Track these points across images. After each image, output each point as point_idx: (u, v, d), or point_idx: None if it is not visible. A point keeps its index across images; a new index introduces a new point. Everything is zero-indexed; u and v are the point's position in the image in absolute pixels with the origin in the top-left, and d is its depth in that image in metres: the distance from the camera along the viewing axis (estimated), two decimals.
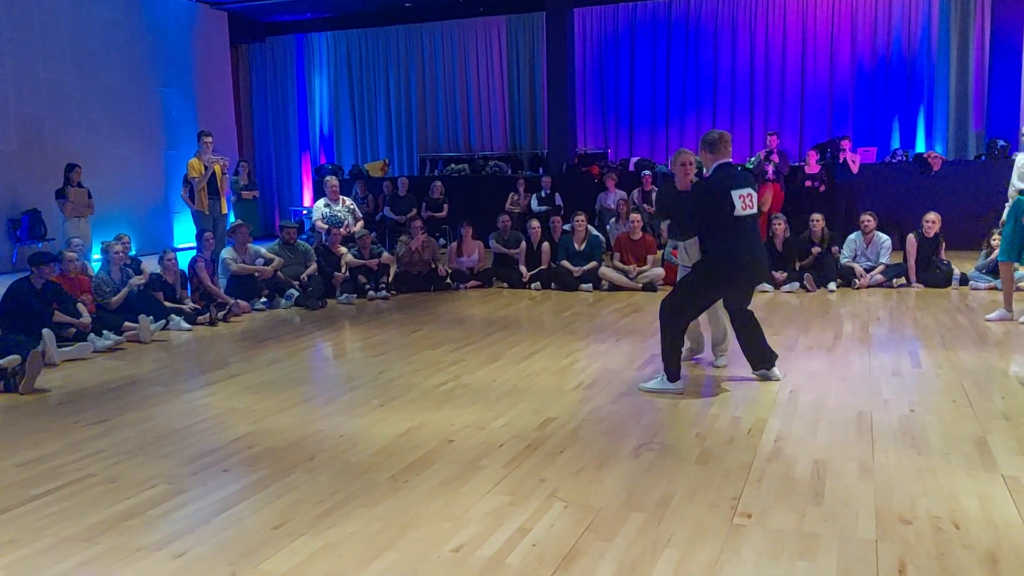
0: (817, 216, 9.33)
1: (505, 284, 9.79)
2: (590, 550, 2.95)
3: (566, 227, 10.14)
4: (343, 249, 9.56)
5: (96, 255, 10.03)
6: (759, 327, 5.23)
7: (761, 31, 14.79)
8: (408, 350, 6.48)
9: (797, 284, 8.89)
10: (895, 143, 13.94)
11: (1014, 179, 6.97)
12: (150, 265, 8.69)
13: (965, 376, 5.25)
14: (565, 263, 9.47)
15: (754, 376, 5.27)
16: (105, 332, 6.87)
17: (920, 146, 13.74)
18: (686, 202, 5.06)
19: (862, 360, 5.75)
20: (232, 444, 4.27)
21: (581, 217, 9.67)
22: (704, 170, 5.09)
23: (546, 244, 9.80)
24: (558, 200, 13.08)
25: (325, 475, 3.77)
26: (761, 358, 5.21)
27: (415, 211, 13.16)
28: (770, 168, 12.50)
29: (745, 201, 4.82)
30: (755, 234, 5.04)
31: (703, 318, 5.51)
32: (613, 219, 11.86)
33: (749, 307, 5.22)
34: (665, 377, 5.01)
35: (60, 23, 12.53)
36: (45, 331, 6.20)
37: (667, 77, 15.43)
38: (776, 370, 5.22)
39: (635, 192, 12.88)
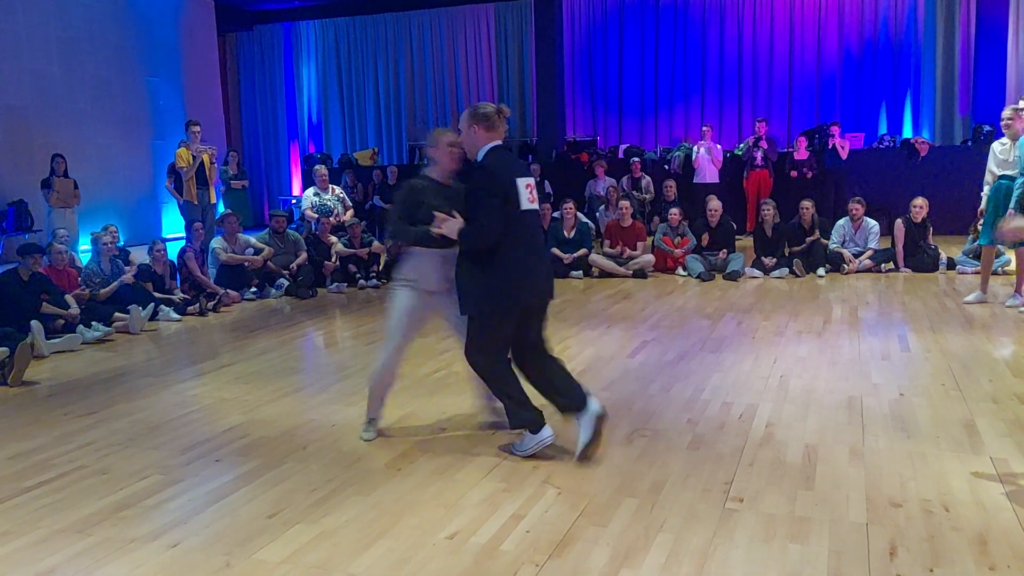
0: (807, 203, 9.37)
1: None
2: (584, 535, 2.97)
3: (555, 215, 10.14)
4: (333, 238, 9.53)
5: (84, 246, 9.97)
6: (559, 361, 3.93)
7: (749, 17, 14.78)
8: None
9: (787, 270, 8.93)
10: (882, 129, 13.99)
11: (991, 165, 7.06)
12: (138, 256, 8.64)
13: (953, 360, 5.30)
14: (555, 250, 9.47)
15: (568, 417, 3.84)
16: (94, 323, 6.83)
17: (907, 132, 13.79)
18: (453, 198, 3.87)
19: (852, 345, 5.79)
20: (224, 434, 4.26)
21: (570, 205, 9.67)
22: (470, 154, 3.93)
23: None
24: (548, 188, 13.07)
25: (318, 464, 3.77)
26: (570, 398, 3.78)
27: None
28: (759, 154, 12.55)
29: (531, 193, 3.78)
30: (540, 234, 4.01)
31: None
32: (603, 206, 11.87)
33: (544, 334, 3.93)
34: (528, 433, 3.78)
35: (45, 12, 12.38)
36: (34, 323, 6.17)
37: (655, 63, 15.42)
38: (595, 403, 3.74)
39: (624, 179, 12.90)
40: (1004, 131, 7.04)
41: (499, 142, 3.84)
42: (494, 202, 3.65)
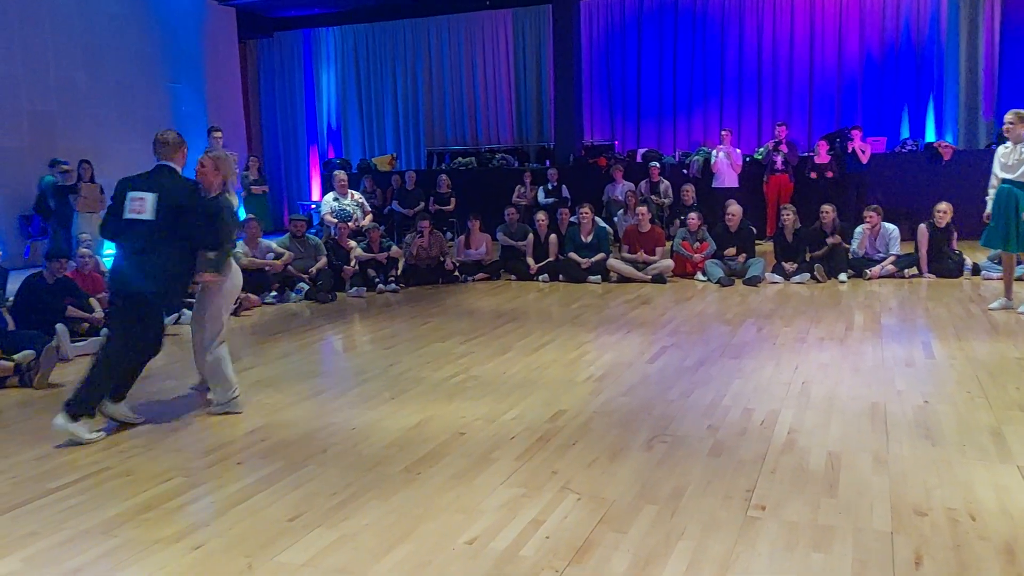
0: (827, 207, 9.30)
1: (513, 276, 9.79)
2: (604, 542, 2.96)
3: (572, 219, 10.13)
4: (352, 243, 9.58)
5: (108, 250, 10.06)
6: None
7: (768, 21, 14.73)
8: (418, 343, 6.49)
9: (808, 275, 8.87)
10: (904, 133, 13.88)
11: (995, 169, 7.00)
12: None
13: (979, 367, 5.24)
14: (573, 255, 9.46)
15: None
16: None
17: (930, 136, 13.67)
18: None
19: (875, 351, 5.74)
20: (246, 437, 4.29)
21: (586, 209, 9.65)
22: None
23: (553, 236, 9.79)
24: (565, 192, 13.07)
25: (338, 468, 3.78)
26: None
27: (423, 205, 13.17)
28: (778, 159, 12.48)
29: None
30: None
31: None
32: (621, 211, 11.85)
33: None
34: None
35: (70, 20, 12.56)
36: (59, 326, 6.23)
37: (674, 68, 15.40)
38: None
39: (643, 183, 12.86)
40: (1007, 135, 6.97)
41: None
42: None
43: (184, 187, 4.61)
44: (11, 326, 6.36)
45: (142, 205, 4.42)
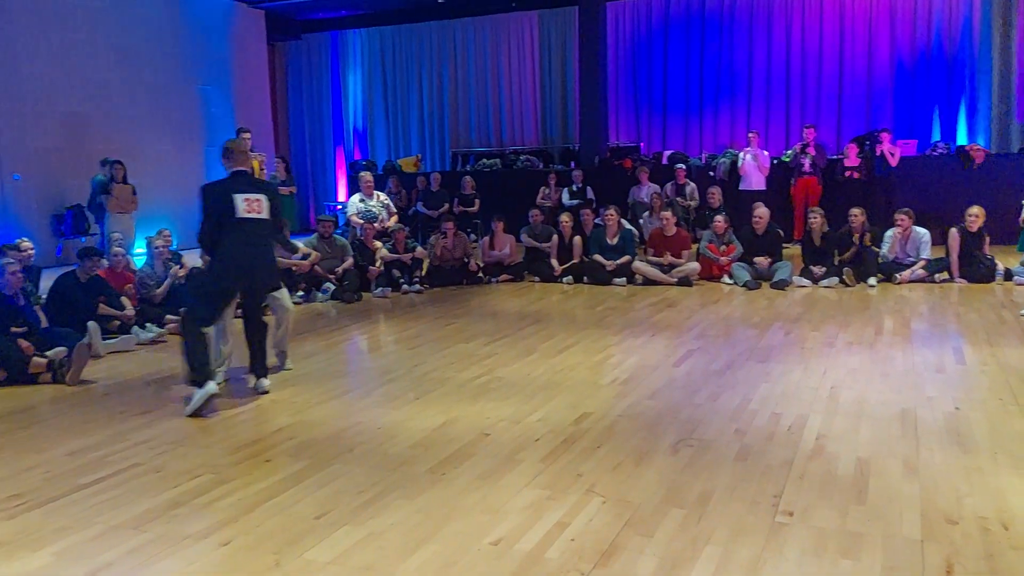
0: (856, 210, 9.21)
1: (537, 278, 9.79)
2: (630, 545, 2.95)
3: (598, 221, 10.11)
4: (378, 244, 9.63)
5: (139, 249, 10.20)
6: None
7: (797, 23, 14.61)
8: (442, 343, 6.51)
9: (836, 279, 8.78)
10: (935, 136, 13.70)
11: None
12: (191, 259, 8.81)
13: (1011, 373, 5.16)
14: (598, 257, 9.44)
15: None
16: (148, 325, 7.00)
17: (961, 139, 13.49)
18: None
19: (905, 356, 5.67)
20: (273, 435, 4.32)
21: (612, 211, 9.63)
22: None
23: (577, 238, 9.78)
24: (590, 194, 13.03)
25: (364, 467, 3.81)
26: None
27: (447, 206, 13.20)
28: (806, 161, 12.37)
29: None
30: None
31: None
32: (646, 213, 11.81)
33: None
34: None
35: (104, 22, 12.75)
36: (91, 324, 6.31)
37: (701, 69, 15.31)
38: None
39: (668, 185, 12.81)
40: None
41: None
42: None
43: (274, 188, 5.46)
44: (44, 323, 6.48)
45: (260, 206, 5.02)
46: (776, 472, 3.61)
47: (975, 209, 8.91)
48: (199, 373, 4.78)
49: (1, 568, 2.90)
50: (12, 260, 6.33)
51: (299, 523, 3.20)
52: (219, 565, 2.88)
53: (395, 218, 10.70)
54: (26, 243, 7.69)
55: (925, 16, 13.83)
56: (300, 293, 8.76)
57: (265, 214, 5.05)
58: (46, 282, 7.48)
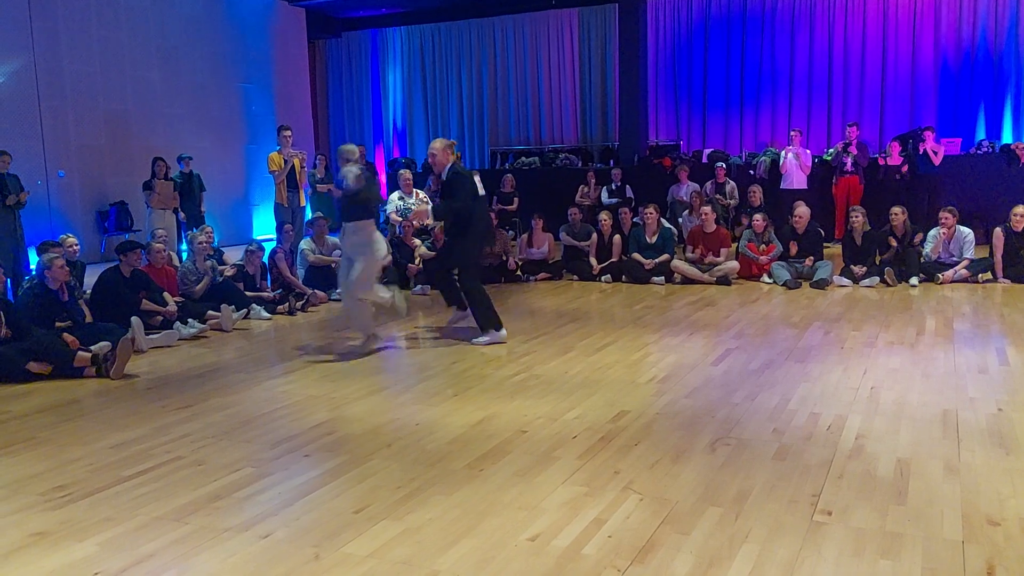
0: (897, 209, 9.06)
1: (575, 276, 9.78)
2: (667, 542, 2.94)
3: (636, 220, 10.07)
4: (416, 241, 9.69)
5: (182, 246, 10.38)
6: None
7: (840, 22, 14.41)
8: None
9: (877, 279, 8.65)
10: (980, 134, 13.43)
11: None
12: (232, 256, 8.96)
13: None
14: (636, 256, 9.40)
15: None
16: (190, 320, 7.12)
17: (1007, 137, 13.20)
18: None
19: (946, 357, 5.58)
20: (312, 430, 4.38)
21: (651, 209, 9.58)
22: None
23: (617, 237, 9.75)
24: (629, 192, 13.00)
25: (402, 462, 3.84)
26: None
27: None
28: (848, 160, 12.20)
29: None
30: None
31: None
32: (686, 211, 11.73)
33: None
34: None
35: (146, 22, 12.99)
36: (134, 319, 6.44)
37: (742, 68, 15.17)
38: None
39: (708, 184, 12.72)
40: None
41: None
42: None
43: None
44: (88, 318, 6.63)
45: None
46: (815, 472, 3.57)
47: (1020, 208, 8.72)
48: (495, 319, 6.46)
49: (47, 557, 2.98)
50: (57, 255, 6.49)
51: (338, 517, 3.24)
52: (259, 557, 2.93)
53: None
54: (71, 239, 7.88)
55: (971, 14, 13.55)
56: (339, 290, 8.81)
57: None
58: (90, 278, 7.65)
